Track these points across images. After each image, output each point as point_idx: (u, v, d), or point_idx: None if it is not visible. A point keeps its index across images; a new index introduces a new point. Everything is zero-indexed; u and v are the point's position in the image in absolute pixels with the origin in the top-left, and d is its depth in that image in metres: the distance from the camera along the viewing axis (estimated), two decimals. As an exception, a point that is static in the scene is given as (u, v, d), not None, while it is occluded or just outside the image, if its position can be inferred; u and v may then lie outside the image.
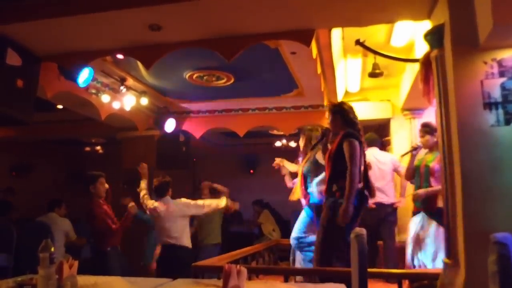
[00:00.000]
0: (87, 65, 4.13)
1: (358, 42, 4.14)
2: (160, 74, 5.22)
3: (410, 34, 4.14)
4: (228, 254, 4.50)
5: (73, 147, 9.53)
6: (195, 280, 2.48)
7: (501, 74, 2.37)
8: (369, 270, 2.09)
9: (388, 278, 3.95)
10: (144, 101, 5.65)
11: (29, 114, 3.52)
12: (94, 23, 3.13)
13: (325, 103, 5.68)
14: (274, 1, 2.87)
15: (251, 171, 10.52)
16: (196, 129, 6.87)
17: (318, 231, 3.59)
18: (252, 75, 5.27)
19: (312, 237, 3.94)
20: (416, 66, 3.65)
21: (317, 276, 3.27)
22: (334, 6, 2.92)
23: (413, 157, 4.23)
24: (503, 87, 2.35)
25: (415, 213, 4.14)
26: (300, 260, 4.20)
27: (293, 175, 4.63)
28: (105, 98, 5.22)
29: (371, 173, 3.95)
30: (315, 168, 4.02)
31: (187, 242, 4.51)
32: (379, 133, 5.77)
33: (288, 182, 4.71)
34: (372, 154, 4.81)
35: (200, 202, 4.65)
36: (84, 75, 4.25)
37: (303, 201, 4.19)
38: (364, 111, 5.39)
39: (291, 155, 4.76)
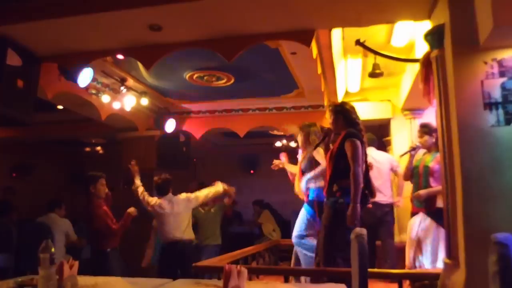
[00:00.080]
0: (87, 65, 4.13)
1: (358, 42, 4.13)
2: (161, 75, 5.22)
3: (410, 34, 4.14)
4: (228, 254, 4.50)
5: (73, 147, 9.52)
6: (196, 280, 2.48)
7: (502, 74, 2.37)
8: (370, 270, 2.08)
9: (388, 278, 3.95)
10: (145, 101, 5.65)
11: (29, 115, 3.53)
12: (94, 24, 3.13)
13: (325, 103, 5.67)
14: (274, 2, 2.87)
15: (251, 171, 10.52)
16: (196, 129, 6.87)
17: (320, 231, 3.59)
18: (252, 75, 5.28)
19: (313, 242, 3.94)
20: (416, 66, 3.64)
21: (324, 276, 3.26)
22: (334, 6, 2.92)
23: (411, 157, 4.24)
24: (503, 87, 2.35)
25: (414, 213, 4.15)
26: (304, 260, 4.17)
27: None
28: (105, 98, 5.22)
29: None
30: (312, 165, 4.03)
31: (191, 235, 4.59)
32: (379, 133, 5.77)
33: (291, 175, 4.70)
34: (369, 153, 4.81)
35: (197, 193, 4.77)
36: (84, 76, 4.25)
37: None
38: (364, 111, 5.38)
39: (291, 155, 4.75)
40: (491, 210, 2.27)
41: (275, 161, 4.50)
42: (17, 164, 8.76)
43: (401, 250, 4.40)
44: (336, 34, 4.14)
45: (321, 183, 3.96)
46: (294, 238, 4.15)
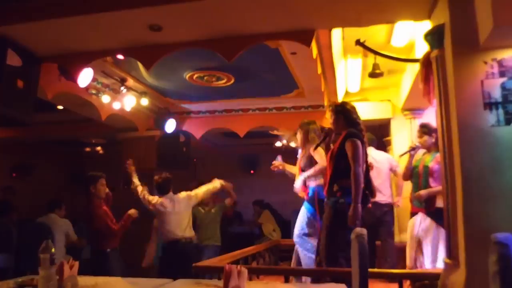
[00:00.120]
0: (88, 65, 4.13)
1: (358, 42, 4.13)
2: (161, 75, 5.22)
3: (410, 34, 4.14)
4: (228, 254, 4.51)
5: (73, 147, 9.52)
6: (196, 280, 2.48)
7: (502, 74, 2.37)
8: (370, 270, 2.08)
9: (389, 278, 3.96)
10: (145, 101, 5.65)
11: (29, 115, 3.53)
12: (94, 24, 3.13)
13: (326, 103, 5.68)
14: (274, 2, 2.87)
15: (252, 171, 10.52)
16: (196, 129, 6.87)
17: (321, 231, 3.58)
18: (252, 75, 5.27)
19: (314, 242, 3.93)
20: (416, 66, 3.64)
21: (327, 276, 3.26)
22: (334, 6, 2.92)
23: (411, 157, 4.25)
24: (503, 87, 2.35)
25: (413, 213, 4.15)
26: (304, 260, 4.17)
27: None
28: (105, 98, 5.22)
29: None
30: (311, 163, 4.04)
31: (192, 233, 4.61)
32: (379, 133, 5.76)
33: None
34: (369, 153, 4.81)
35: (196, 190, 4.81)
36: (85, 76, 4.25)
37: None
38: (364, 111, 5.38)
39: (291, 155, 4.75)
40: (491, 210, 2.27)
41: (275, 162, 4.50)
42: (17, 164, 8.76)
43: (402, 250, 4.40)
44: (336, 34, 4.14)
45: (320, 180, 3.96)
46: (295, 237, 4.15)
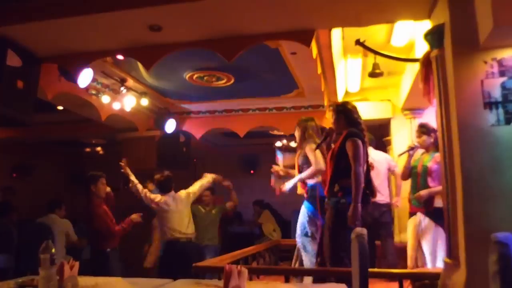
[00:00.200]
0: (87, 66, 4.13)
1: (358, 42, 4.13)
2: (160, 75, 5.22)
3: (410, 34, 4.14)
4: (228, 254, 4.50)
5: (73, 148, 9.52)
6: (196, 280, 2.48)
7: (502, 74, 2.37)
8: (370, 270, 2.08)
9: (389, 278, 3.96)
10: (145, 101, 5.65)
11: (29, 115, 3.53)
12: (94, 24, 3.13)
13: (326, 103, 5.68)
14: (274, 2, 2.87)
15: (252, 171, 10.51)
16: (196, 129, 6.87)
17: (324, 232, 3.57)
18: (252, 75, 5.28)
19: (314, 247, 3.93)
20: (416, 66, 3.64)
21: (332, 276, 3.26)
22: (334, 6, 2.92)
23: (410, 157, 4.25)
24: (503, 86, 2.35)
25: (412, 213, 4.15)
26: (306, 262, 4.16)
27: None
28: (105, 99, 5.22)
29: None
30: (307, 161, 4.03)
31: (193, 230, 4.60)
32: (379, 133, 5.76)
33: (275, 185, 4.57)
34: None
35: (192, 188, 4.83)
36: (84, 76, 4.25)
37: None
38: (364, 111, 5.37)
39: (291, 155, 4.75)
40: (491, 210, 2.27)
41: (275, 167, 4.45)
42: (17, 164, 8.76)
43: (402, 249, 4.39)
44: (336, 34, 4.14)
45: (318, 178, 3.96)
46: (297, 237, 4.13)
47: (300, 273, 3.94)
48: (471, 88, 2.39)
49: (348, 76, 5.35)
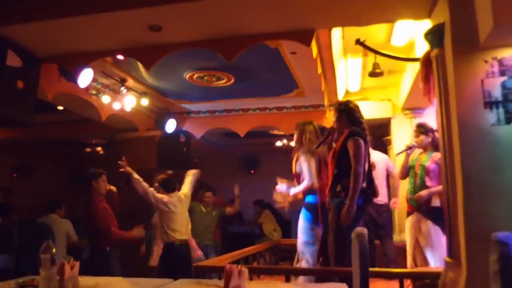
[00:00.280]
0: (87, 66, 4.13)
1: (358, 42, 4.13)
2: (161, 75, 5.22)
3: (411, 34, 4.14)
4: (229, 254, 4.50)
5: (73, 148, 9.53)
6: (197, 280, 2.48)
7: (502, 73, 2.36)
8: (371, 269, 2.08)
9: (389, 277, 3.96)
10: (145, 101, 5.65)
11: (30, 115, 3.53)
12: (94, 24, 3.13)
13: (326, 102, 5.68)
14: (274, 2, 2.87)
15: (252, 171, 10.52)
16: (196, 129, 6.87)
17: (329, 232, 3.55)
18: (252, 75, 5.28)
19: (311, 258, 3.91)
20: (417, 66, 3.64)
21: (336, 276, 3.25)
22: (334, 6, 2.92)
23: (407, 156, 4.25)
24: (503, 86, 2.35)
25: (409, 213, 4.16)
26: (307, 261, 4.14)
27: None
28: (105, 99, 5.22)
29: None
30: (301, 169, 4.01)
31: (189, 233, 4.57)
32: (379, 133, 5.76)
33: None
34: None
35: (186, 188, 4.72)
36: (85, 76, 4.25)
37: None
38: (364, 111, 5.37)
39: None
40: (492, 209, 2.27)
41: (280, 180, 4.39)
42: (18, 164, 8.77)
43: (403, 249, 4.39)
44: (336, 33, 4.14)
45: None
46: (299, 244, 4.07)
47: (301, 273, 3.94)
48: (471, 88, 2.39)
49: (348, 75, 5.36)
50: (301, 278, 3.77)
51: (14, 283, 2.16)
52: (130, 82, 5.35)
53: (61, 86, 4.41)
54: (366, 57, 4.76)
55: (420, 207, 3.96)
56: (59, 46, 3.50)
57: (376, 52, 4.22)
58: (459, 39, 2.42)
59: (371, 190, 3.49)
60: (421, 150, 4.17)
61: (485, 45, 2.34)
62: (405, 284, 3.28)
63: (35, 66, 3.55)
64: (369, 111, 5.89)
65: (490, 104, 2.35)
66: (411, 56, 4.45)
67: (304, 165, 3.96)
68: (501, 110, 2.33)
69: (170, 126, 6.25)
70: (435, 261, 3.78)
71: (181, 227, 4.50)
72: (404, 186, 4.50)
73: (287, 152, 5.12)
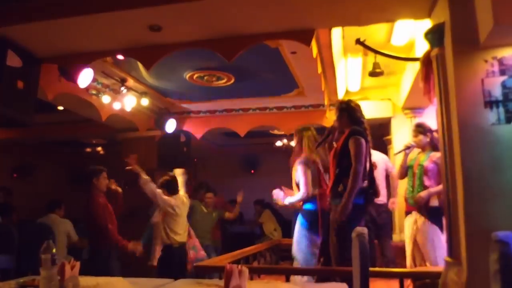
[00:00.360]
0: (88, 66, 4.13)
1: (358, 41, 4.13)
2: (161, 75, 5.22)
3: (411, 33, 4.14)
4: (229, 254, 4.50)
5: (74, 148, 9.53)
6: (197, 280, 2.48)
7: (502, 73, 2.36)
8: (371, 269, 2.08)
9: (389, 277, 3.95)
10: (145, 101, 5.65)
11: (30, 116, 3.53)
12: (94, 24, 3.13)
13: (326, 102, 5.68)
14: (274, 1, 2.87)
15: (252, 171, 10.52)
16: (196, 129, 6.87)
17: (331, 232, 3.55)
18: (252, 75, 5.27)
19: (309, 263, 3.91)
20: (417, 65, 3.64)
21: (337, 276, 3.25)
22: (334, 6, 2.92)
23: (406, 156, 4.25)
24: (503, 85, 2.35)
25: (408, 212, 4.16)
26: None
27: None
28: (105, 99, 5.22)
29: None
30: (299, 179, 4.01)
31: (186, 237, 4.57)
32: (379, 132, 5.76)
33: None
34: None
35: (182, 190, 4.70)
36: (85, 76, 4.25)
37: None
38: (364, 110, 5.40)
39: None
40: (492, 209, 2.26)
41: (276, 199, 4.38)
42: (18, 165, 8.77)
43: (403, 248, 4.39)
44: (336, 33, 4.14)
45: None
46: (293, 249, 4.08)
47: (301, 273, 3.94)
48: (471, 87, 2.38)
49: (349, 75, 5.36)
50: (297, 278, 3.76)
51: (14, 283, 2.16)
52: (130, 82, 5.35)
53: (61, 86, 4.40)
54: (366, 57, 4.76)
55: (419, 207, 3.96)
56: (59, 46, 3.50)
57: (376, 52, 4.22)
58: (459, 38, 2.42)
59: (373, 189, 3.48)
60: (419, 150, 4.18)
61: (485, 45, 2.34)
62: (405, 284, 3.27)
63: (35, 66, 3.55)
64: (369, 110, 5.88)
65: (490, 103, 2.35)
66: (411, 56, 4.45)
67: (300, 177, 3.97)
68: (501, 109, 2.33)
69: (170, 126, 6.25)
70: (434, 260, 3.78)
71: (182, 230, 4.49)
72: (402, 186, 4.50)
73: (287, 152, 5.13)
